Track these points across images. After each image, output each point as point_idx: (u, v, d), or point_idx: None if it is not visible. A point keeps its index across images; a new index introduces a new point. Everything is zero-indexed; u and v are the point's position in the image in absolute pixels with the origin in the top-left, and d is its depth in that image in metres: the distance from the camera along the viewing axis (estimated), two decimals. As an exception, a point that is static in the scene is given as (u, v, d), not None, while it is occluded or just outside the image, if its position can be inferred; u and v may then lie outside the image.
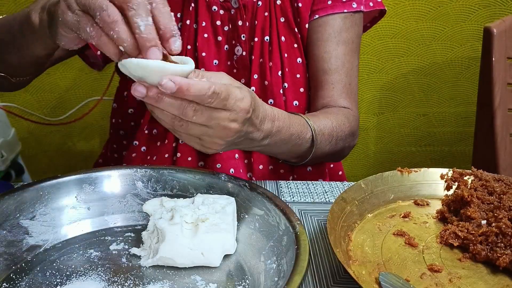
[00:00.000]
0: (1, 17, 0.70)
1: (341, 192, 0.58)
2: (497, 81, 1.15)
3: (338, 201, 0.56)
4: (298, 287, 0.42)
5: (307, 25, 0.83)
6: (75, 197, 0.59)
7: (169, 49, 0.48)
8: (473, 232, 0.52)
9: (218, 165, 0.81)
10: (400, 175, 0.64)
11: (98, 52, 0.82)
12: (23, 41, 0.63)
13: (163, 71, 0.45)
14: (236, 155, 0.83)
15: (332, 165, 0.92)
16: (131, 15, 0.46)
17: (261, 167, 0.84)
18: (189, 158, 0.82)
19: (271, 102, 0.82)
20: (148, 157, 0.83)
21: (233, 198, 0.57)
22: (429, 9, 1.59)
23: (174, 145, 0.82)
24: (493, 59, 1.14)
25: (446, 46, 1.64)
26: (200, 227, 0.53)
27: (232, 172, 0.81)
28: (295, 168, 0.86)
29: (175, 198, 0.58)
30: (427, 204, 0.62)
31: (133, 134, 0.86)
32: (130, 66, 0.45)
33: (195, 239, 0.52)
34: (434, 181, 0.64)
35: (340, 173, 0.93)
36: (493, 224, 0.51)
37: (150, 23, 0.46)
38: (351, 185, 0.61)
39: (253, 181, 0.61)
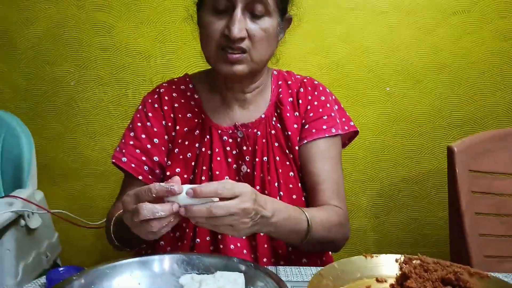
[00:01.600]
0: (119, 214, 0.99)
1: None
2: (462, 189, 1.39)
3: (317, 276, 0.79)
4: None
5: (297, 147, 1.11)
6: (129, 275, 0.83)
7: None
8: (410, 297, 0.74)
9: None
10: (365, 259, 0.87)
11: None
12: (131, 233, 0.85)
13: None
14: (244, 251, 1.07)
15: (324, 258, 1.14)
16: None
17: (265, 260, 1.07)
18: None
19: None
20: None
21: (242, 274, 0.81)
22: (410, 128, 1.90)
23: (191, 244, 1.07)
24: (457, 172, 1.39)
25: (428, 159, 1.92)
26: (220, 294, 0.76)
27: None
28: (293, 261, 1.09)
29: (201, 274, 0.82)
30: (385, 281, 0.84)
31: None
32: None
33: (216, 302, 0.75)
34: (391, 264, 0.87)
35: None
36: (422, 291, 0.73)
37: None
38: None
39: (256, 263, 0.85)
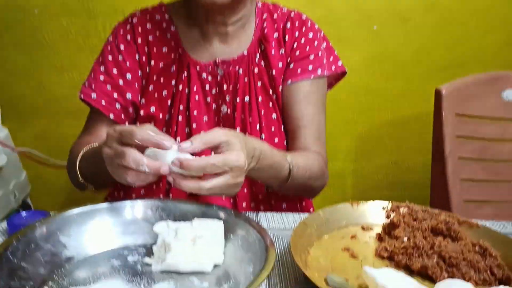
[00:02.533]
0: (90, 147, 0.91)
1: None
2: (447, 133, 1.36)
3: (301, 224, 0.74)
4: (265, 278, 0.60)
5: (280, 88, 1.04)
6: (101, 221, 0.77)
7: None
8: (398, 246, 0.70)
9: None
10: (351, 206, 0.83)
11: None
12: (102, 170, 0.78)
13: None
14: (223, 196, 1.02)
15: (304, 203, 1.11)
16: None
17: (244, 204, 1.02)
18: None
19: None
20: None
21: (222, 222, 0.75)
22: (395, 70, 1.83)
23: (167, 187, 1.01)
24: (443, 115, 1.35)
25: (411, 102, 1.87)
26: (197, 242, 0.71)
27: None
28: (273, 206, 1.05)
29: (177, 222, 0.77)
30: (371, 229, 0.81)
31: None
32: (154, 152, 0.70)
33: (193, 250, 0.70)
34: (377, 212, 0.83)
35: (311, 210, 1.12)
36: (411, 240, 0.69)
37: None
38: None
39: (236, 210, 0.80)
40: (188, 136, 1.01)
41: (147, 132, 0.68)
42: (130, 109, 1.04)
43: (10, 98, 1.81)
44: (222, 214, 0.78)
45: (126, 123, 1.04)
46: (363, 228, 0.81)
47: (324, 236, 0.77)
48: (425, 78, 1.83)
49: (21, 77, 1.81)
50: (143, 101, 1.03)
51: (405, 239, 0.71)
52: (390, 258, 0.71)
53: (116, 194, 1.11)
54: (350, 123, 1.89)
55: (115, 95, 1.01)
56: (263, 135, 1.03)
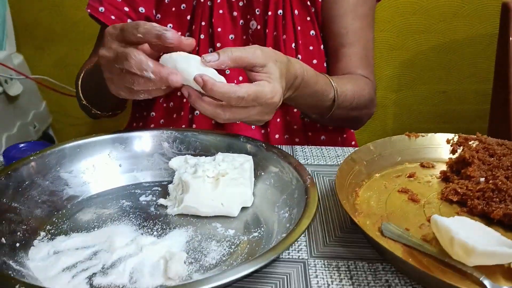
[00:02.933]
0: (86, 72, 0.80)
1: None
2: (514, 56, 1.16)
3: (347, 161, 0.60)
4: (306, 229, 0.47)
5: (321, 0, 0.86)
6: (108, 154, 0.65)
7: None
8: (472, 188, 0.56)
9: None
10: (407, 139, 0.68)
11: None
12: (102, 88, 0.66)
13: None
14: (253, 126, 0.88)
15: (345, 135, 0.96)
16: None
17: (277, 136, 0.89)
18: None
19: None
20: None
21: (251, 157, 0.63)
22: (450, -15, 1.60)
23: (190, 116, 0.88)
24: (511, 35, 1.15)
25: (467, 23, 1.64)
26: (221, 181, 0.58)
27: None
28: (310, 138, 0.91)
29: (198, 156, 0.64)
30: (432, 166, 0.66)
31: (151, 106, 0.92)
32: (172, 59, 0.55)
33: (216, 191, 0.58)
34: (440, 146, 0.68)
35: (353, 143, 0.98)
36: (490, 181, 0.55)
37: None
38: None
39: (268, 143, 0.66)
40: None
41: (153, 24, 0.54)
42: None
43: (25, 23, 1.68)
44: (250, 148, 0.65)
45: None
46: (422, 166, 0.66)
47: (375, 174, 0.63)
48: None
49: (37, 0, 1.67)
50: (159, 16, 0.88)
51: (482, 179, 0.56)
52: (462, 203, 0.57)
53: (135, 125, 1.00)
54: (394, 48, 1.69)
55: (126, 8, 0.86)
56: (299, 56, 0.87)
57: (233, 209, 0.58)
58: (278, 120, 0.88)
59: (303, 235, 0.54)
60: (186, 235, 0.55)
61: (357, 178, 0.60)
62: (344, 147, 0.79)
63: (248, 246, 0.53)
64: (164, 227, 0.56)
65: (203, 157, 0.64)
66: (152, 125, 0.91)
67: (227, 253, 0.52)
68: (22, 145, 0.70)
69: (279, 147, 0.76)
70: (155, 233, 0.55)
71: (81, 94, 0.81)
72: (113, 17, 0.86)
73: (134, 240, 0.53)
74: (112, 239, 0.53)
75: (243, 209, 0.59)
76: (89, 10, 0.88)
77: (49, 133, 1.75)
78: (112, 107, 0.84)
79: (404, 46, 1.70)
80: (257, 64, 0.57)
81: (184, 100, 0.88)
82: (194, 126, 0.87)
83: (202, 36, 0.87)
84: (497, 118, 1.24)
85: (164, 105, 0.90)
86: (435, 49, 1.70)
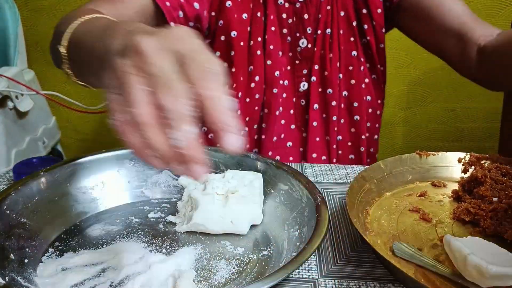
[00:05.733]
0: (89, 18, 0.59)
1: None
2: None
3: (358, 179, 0.60)
4: (317, 247, 0.47)
5: (379, 10, 0.84)
6: (117, 171, 0.65)
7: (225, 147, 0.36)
8: (484, 208, 0.55)
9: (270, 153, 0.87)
10: (418, 157, 0.67)
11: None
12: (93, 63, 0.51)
13: None
14: (289, 143, 0.89)
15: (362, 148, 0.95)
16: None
17: (314, 155, 0.88)
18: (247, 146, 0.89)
19: (329, 92, 0.87)
20: None
21: (260, 174, 0.62)
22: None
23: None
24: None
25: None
26: (230, 198, 0.58)
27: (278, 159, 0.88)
28: (339, 156, 0.91)
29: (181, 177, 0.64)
30: (444, 185, 0.65)
31: None
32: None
33: (225, 208, 0.57)
34: (451, 164, 0.68)
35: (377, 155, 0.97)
36: (503, 201, 0.54)
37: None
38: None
39: (278, 160, 0.66)
40: (265, 76, 0.86)
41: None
42: (191, 24, 0.82)
43: (36, 38, 1.71)
44: (260, 165, 0.65)
45: None
46: (433, 184, 0.66)
47: (385, 193, 0.63)
48: (493, 12, 1.59)
49: (47, 15, 1.70)
50: (221, 22, 0.83)
51: (495, 199, 0.55)
52: (474, 223, 0.56)
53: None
54: (403, 65, 1.69)
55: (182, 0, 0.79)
56: (340, 75, 0.87)
57: (243, 227, 0.58)
58: (317, 139, 0.88)
59: (313, 254, 0.53)
60: (195, 253, 0.55)
61: (367, 197, 0.60)
62: (354, 165, 0.78)
63: (257, 264, 0.52)
64: (172, 244, 0.56)
65: (212, 174, 0.63)
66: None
67: (236, 272, 0.51)
68: (31, 160, 0.70)
69: (290, 164, 0.76)
70: (163, 250, 0.55)
71: (65, 41, 0.59)
72: (167, 3, 0.78)
73: (143, 258, 0.53)
74: (121, 256, 0.53)
75: (253, 226, 0.59)
76: None
77: (58, 149, 1.76)
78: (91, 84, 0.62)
79: (413, 64, 1.70)
80: None
81: None
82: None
83: (258, 53, 0.85)
84: (508, 136, 1.23)
85: None
86: (444, 67, 1.69)
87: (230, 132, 0.34)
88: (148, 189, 0.66)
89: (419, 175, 0.66)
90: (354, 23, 0.86)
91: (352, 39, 0.87)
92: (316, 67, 0.86)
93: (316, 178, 0.73)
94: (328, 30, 0.85)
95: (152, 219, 0.61)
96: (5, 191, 0.54)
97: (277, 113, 0.87)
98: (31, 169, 0.67)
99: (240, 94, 0.86)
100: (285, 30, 0.86)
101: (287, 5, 0.84)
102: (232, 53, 0.83)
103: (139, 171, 0.66)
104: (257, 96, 0.86)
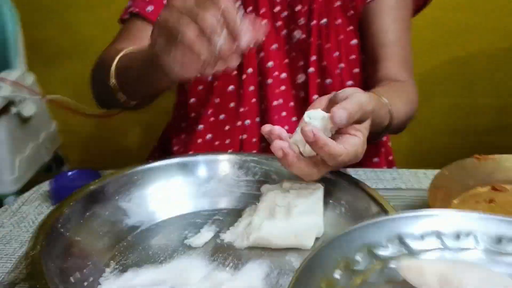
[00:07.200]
0: (125, 52, 0.69)
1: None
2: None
3: (432, 189, 0.58)
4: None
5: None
6: (166, 181, 0.62)
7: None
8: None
9: None
10: (477, 161, 0.65)
11: None
12: (146, 77, 0.62)
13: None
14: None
15: (383, 149, 0.95)
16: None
17: None
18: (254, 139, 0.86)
19: (329, 82, 0.85)
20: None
21: (320, 184, 0.59)
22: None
23: (240, 137, 0.86)
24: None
25: (486, 36, 1.63)
26: (292, 211, 0.55)
27: None
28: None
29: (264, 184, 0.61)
30: (507, 190, 0.63)
31: (197, 119, 0.88)
32: None
33: (288, 222, 0.54)
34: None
35: (391, 158, 0.96)
36: None
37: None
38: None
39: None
40: (259, 69, 0.85)
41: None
42: None
43: (35, 40, 1.64)
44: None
45: None
46: (494, 189, 0.64)
47: (452, 201, 0.60)
48: (500, 7, 1.58)
49: (46, 17, 1.64)
50: None
51: None
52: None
53: (176, 136, 0.93)
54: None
55: None
56: (341, 65, 0.86)
57: (308, 241, 0.54)
58: None
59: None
60: (262, 270, 0.51)
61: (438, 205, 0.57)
62: (399, 169, 0.76)
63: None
64: (236, 261, 0.53)
65: (267, 185, 0.60)
66: (200, 140, 0.87)
67: (313, 290, 0.48)
68: (69, 173, 0.66)
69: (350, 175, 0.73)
70: (227, 268, 0.52)
71: (113, 74, 0.68)
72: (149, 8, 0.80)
73: (208, 276, 0.49)
74: (185, 275, 0.50)
75: (315, 239, 0.56)
76: (135, 9, 0.81)
77: (59, 154, 1.70)
78: (145, 96, 0.74)
79: (417, 60, 1.67)
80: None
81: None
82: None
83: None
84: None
85: (212, 119, 0.87)
86: (449, 63, 1.69)
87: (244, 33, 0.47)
88: (198, 199, 0.62)
89: (479, 179, 0.64)
90: (352, 11, 0.85)
91: (351, 27, 0.86)
92: (313, 58, 0.85)
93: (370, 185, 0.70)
94: (324, 20, 0.84)
95: (206, 233, 0.57)
96: (58, 209, 0.50)
97: (275, 103, 0.85)
98: (70, 183, 0.63)
99: (232, 87, 0.85)
100: (278, 23, 0.85)
101: None
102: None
103: (188, 181, 0.63)
104: (251, 88, 0.85)
